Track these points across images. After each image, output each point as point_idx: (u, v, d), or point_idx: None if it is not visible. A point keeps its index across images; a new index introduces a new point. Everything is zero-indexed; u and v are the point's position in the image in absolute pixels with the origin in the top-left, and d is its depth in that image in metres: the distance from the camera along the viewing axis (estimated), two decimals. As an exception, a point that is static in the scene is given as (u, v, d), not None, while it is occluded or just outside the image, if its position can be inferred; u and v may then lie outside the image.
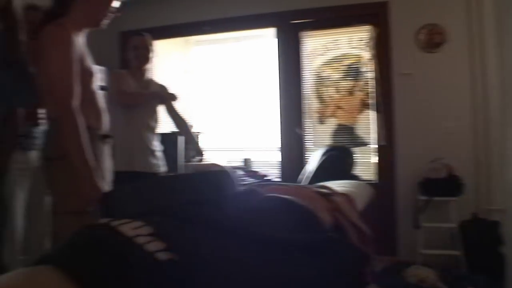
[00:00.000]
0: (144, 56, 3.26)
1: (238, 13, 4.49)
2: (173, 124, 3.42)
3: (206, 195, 1.20)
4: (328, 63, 4.48)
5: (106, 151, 2.13)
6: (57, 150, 1.89)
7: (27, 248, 2.72)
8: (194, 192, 1.20)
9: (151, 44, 3.28)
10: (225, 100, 4.83)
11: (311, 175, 3.33)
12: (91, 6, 2.02)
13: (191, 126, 3.64)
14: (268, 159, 4.62)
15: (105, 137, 2.12)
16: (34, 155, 2.67)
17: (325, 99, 4.49)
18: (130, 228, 1.04)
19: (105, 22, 2.12)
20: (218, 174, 1.31)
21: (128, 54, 3.31)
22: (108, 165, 2.14)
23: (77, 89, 1.91)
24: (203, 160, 3.52)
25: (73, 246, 1.02)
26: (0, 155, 2.08)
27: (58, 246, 1.06)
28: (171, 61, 4.84)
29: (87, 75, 2.00)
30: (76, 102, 1.88)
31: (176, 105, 3.38)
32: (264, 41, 4.75)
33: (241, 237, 1.08)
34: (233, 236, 1.08)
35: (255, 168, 4.56)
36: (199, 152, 3.42)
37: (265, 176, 4.29)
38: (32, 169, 2.70)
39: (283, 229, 1.17)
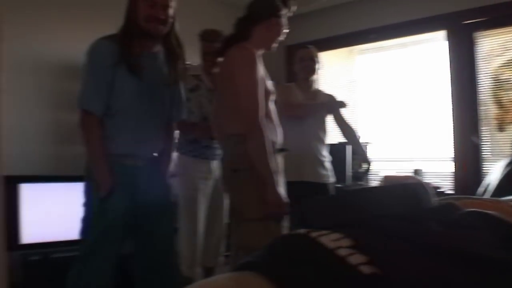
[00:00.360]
0: (310, 67, 3.32)
1: (405, 18, 4.30)
2: (341, 134, 3.42)
3: (404, 208, 1.15)
4: (507, 64, 4.06)
5: (281, 163, 2.22)
6: (244, 162, 2.03)
7: (205, 251, 2.94)
8: (391, 205, 1.16)
9: (316, 56, 3.34)
10: (393, 108, 4.66)
11: (493, 188, 3.04)
12: (268, 32, 2.22)
13: (359, 136, 3.60)
14: (440, 169, 4.33)
15: (281, 150, 2.22)
16: (215, 165, 2.88)
17: (505, 104, 4.08)
18: (330, 239, 1.04)
19: (276, 45, 2.29)
20: (414, 186, 1.26)
21: (295, 67, 3.41)
22: (282, 177, 2.23)
23: (262, 106, 2.05)
24: (370, 170, 3.45)
25: (276, 255, 1.06)
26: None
27: (258, 253, 1.10)
28: (336, 72, 4.84)
29: (267, 93, 2.15)
30: (262, 117, 2.03)
31: (345, 114, 3.38)
32: (433, 45, 4.48)
33: (446, 254, 1.01)
34: (437, 252, 1.02)
35: (426, 179, 4.31)
36: (367, 162, 3.37)
37: (438, 188, 4.02)
38: (214, 177, 2.92)
39: (491, 247, 1.07)
